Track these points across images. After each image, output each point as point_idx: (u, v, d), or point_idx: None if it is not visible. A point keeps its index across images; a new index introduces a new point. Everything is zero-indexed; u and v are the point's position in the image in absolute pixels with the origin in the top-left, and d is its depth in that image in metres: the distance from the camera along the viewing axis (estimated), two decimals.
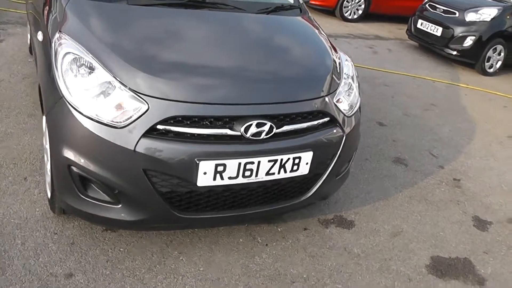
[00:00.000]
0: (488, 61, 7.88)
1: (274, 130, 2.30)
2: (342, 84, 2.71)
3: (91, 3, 2.55)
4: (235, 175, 2.25)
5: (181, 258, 2.60)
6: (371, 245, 3.07)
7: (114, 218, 2.27)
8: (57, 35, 2.36)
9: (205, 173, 2.18)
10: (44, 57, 2.50)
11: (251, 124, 2.22)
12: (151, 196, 2.19)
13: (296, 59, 2.73)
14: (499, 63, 8.02)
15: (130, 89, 2.14)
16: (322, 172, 2.62)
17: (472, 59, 7.86)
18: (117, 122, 2.09)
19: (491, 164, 4.69)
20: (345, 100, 2.68)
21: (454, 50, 7.83)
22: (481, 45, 7.67)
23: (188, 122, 2.15)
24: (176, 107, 2.13)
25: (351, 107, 2.71)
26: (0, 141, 3.29)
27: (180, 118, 2.13)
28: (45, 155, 2.75)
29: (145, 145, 2.09)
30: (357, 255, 2.94)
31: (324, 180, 2.65)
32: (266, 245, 2.84)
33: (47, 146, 2.48)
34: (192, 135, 2.16)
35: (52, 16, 2.60)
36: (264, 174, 2.34)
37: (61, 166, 2.23)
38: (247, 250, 2.76)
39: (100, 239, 2.62)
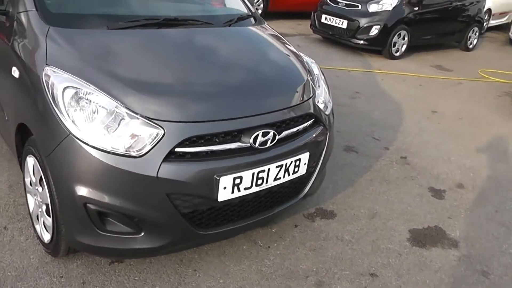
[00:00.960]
0: (394, 46, 8.53)
1: (277, 137, 2.41)
2: (316, 85, 2.88)
3: (72, 31, 2.48)
4: (249, 185, 2.34)
5: (197, 274, 2.63)
6: (356, 230, 3.28)
7: (138, 248, 2.26)
8: (45, 68, 2.24)
9: (225, 188, 2.24)
10: (29, 96, 2.38)
11: (257, 134, 2.31)
12: (175, 219, 2.21)
13: (279, 69, 2.86)
14: (404, 46, 8.73)
15: (142, 116, 2.13)
16: (313, 170, 2.77)
17: (379, 46, 8.45)
18: (135, 151, 2.09)
19: (426, 139, 5.13)
20: (321, 99, 2.85)
21: (361, 39, 8.37)
22: (386, 32, 8.27)
23: (202, 141, 2.20)
24: (190, 128, 2.17)
25: (326, 105, 2.89)
26: None
27: (194, 138, 2.17)
28: (34, 200, 2.66)
29: (167, 170, 2.11)
30: (350, 241, 3.13)
31: (315, 177, 2.80)
32: (269, 247, 2.94)
33: (44, 190, 2.39)
34: (207, 153, 2.22)
35: (26, 49, 2.48)
36: (273, 180, 2.44)
37: (75, 206, 2.16)
38: (254, 255, 2.85)
39: (110, 272, 2.58)
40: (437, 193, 3.97)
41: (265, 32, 3.24)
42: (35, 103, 2.31)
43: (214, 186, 2.21)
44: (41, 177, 2.47)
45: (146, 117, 2.12)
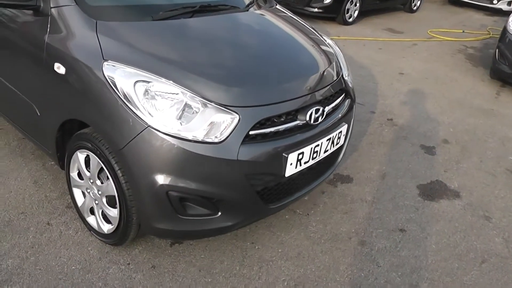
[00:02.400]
0: (347, 12, 8.80)
1: (325, 112, 2.61)
2: (341, 61, 3.09)
3: (119, 25, 2.48)
4: (308, 159, 2.54)
5: (256, 247, 2.82)
6: (374, 190, 3.58)
7: (216, 227, 2.40)
8: (104, 64, 2.27)
9: (291, 164, 2.43)
10: (83, 91, 2.39)
11: (312, 112, 2.51)
12: (250, 196, 2.37)
13: (313, 49, 3.01)
14: (356, 12, 9.06)
15: (216, 103, 2.24)
16: (345, 140, 3.01)
17: (333, 13, 8.73)
18: (214, 137, 2.21)
19: (403, 99, 5.51)
20: (345, 74, 3.07)
21: (316, 7, 8.58)
22: (339, 0, 8.50)
23: (269, 123, 2.36)
24: (259, 112, 2.31)
25: (349, 79, 3.12)
26: None
27: (263, 121, 2.33)
28: (86, 194, 2.73)
29: (244, 152, 2.26)
30: (373, 202, 3.42)
31: (345, 147, 3.05)
32: (308, 214, 3.17)
33: (106, 182, 2.48)
34: (275, 133, 2.38)
35: (74, 44, 2.45)
36: (323, 152, 2.65)
37: (156, 195, 2.25)
38: (298, 223, 3.07)
39: (175, 253, 2.71)
40: (429, 150, 4.34)
41: (285, 14, 3.39)
42: (94, 98, 2.33)
43: (282, 163, 2.38)
44: (100, 170, 2.51)
45: (221, 104, 2.24)
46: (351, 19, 8.90)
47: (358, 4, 8.90)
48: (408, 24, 9.70)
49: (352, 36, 8.13)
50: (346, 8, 8.64)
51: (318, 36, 3.22)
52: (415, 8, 10.97)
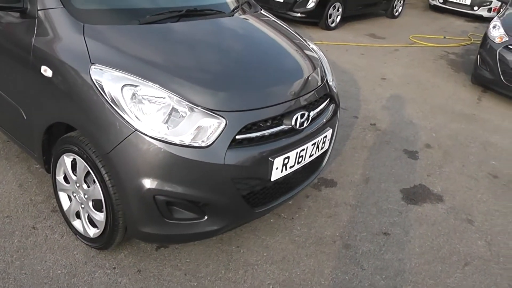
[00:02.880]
0: (330, 17, 8.89)
1: (310, 117, 2.65)
2: (325, 65, 3.14)
3: (106, 28, 2.47)
4: (293, 163, 2.57)
5: (241, 251, 2.84)
6: (358, 194, 3.62)
7: (202, 231, 2.41)
8: (92, 67, 2.27)
9: (277, 168, 2.46)
10: (70, 95, 2.39)
11: (297, 117, 2.54)
12: (236, 200, 2.39)
13: (299, 54, 3.03)
14: (339, 17, 9.15)
15: (203, 107, 2.26)
16: (329, 144, 3.05)
17: (316, 18, 8.80)
18: (201, 141, 2.23)
19: (385, 105, 5.58)
20: (330, 79, 3.12)
21: (299, 12, 8.63)
22: (322, 5, 8.63)
23: (256, 127, 2.39)
24: (246, 116, 2.34)
25: (334, 84, 3.16)
26: None
27: (249, 125, 2.36)
28: (72, 197, 2.72)
29: (231, 157, 2.28)
30: (357, 205, 3.47)
31: (330, 151, 3.09)
32: (292, 218, 3.21)
33: (93, 186, 2.47)
34: (260, 137, 2.40)
35: (61, 47, 2.44)
36: (308, 156, 2.69)
37: (143, 199, 2.26)
38: (284, 227, 3.10)
39: (161, 257, 2.71)
40: (411, 154, 4.40)
41: (270, 19, 3.42)
42: (81, 102, 2.33)
43: (268, 168, 2.41)
44: (86, 174, 2.51)
45: (207, 109, 2.26)
46: (333, 24, 8.99)
47: (340, 10, 8.99)
48: (390, 30, 9.82)
49: (334, 41, 8.21)
50: (329, 13, 8.72)
51: (302, 41, 3.26)
52: (396, 14, 11.11)
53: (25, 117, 2.77)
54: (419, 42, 8.89)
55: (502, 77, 5.91)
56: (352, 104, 5.40)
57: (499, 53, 5.95)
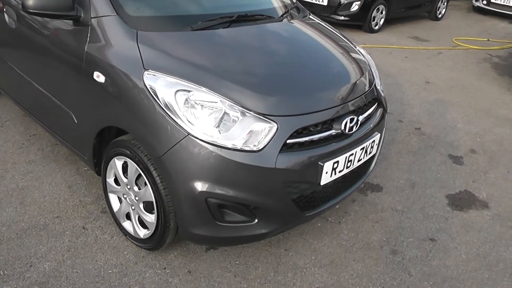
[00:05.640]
0: (373, 20, 8.82)
1: (359, 121, 2.64)
2: (373, 69, 3.12)
3: (159, 35, 2.53)
4: (342, 168, 2.57)
5: (290, 254, 2.85)
6: (404, 199, 3.58)
7: (252, 234, 2.44)
8: (145, 73, 2.33)
9: (326, 173, 2.46)
10: (122, 100, 2.46)
11: (347, 121, 2.54)
12: (286, 204, 2.41)
13: (348, 59, 3.04)
14: (382, 20, 9.07)
15: (255, 112, 2.29)
16: (377, 149, 3.03)
17: (360, 21, 8.75)
18: (253, 145, 2.26)
19: (430, 109, 5.49)
20: (378, 83, 3.10)
21: (343, 15, 8.60)
22: (366, 8, 8.58)
23: (306, 132, 2.40)
24: (297, 121, 2.36)
25: (382, 88, 3.14)
26: (22, 200, 3.10)
27: (300, 130, 2.37)
28: (122, 199, 2.79)
29: (282, 160, 2.30)
30: (403, 211, 3.43)
31: (377, 156, 3.07)
32: (339, 222, 3.20)
33: (144, 188, 2.54)
34: (311, 142, 2.42)
35: (114, 54, 2.49)
36: (357, 161, 2.68)
37: (195, 201, 2.30)
38: (331, 231, 3.10)
39: (210, 259, 2.75)
40: (456, 160, 4.32)
41: (318, 24, 3.44)
42: (134, 107, 2.39)
43: (318, 172, 2.42)
44: (137, 177, 2.57)
45: (259, 113, 2.28)
46: (377, 27, 8.92)
47: (384, 12, 8.91)
48: (433, 32, 9.66)
49: (378, 44, 8.14)
50: (372, 16, 8.66)
51: (350, 45, 3.25)
52: (440, 16, 10.93)
53: (76, 121, 2.86)
54: (462, 44, 8.72)
55: None
56: (397, 108, 5.35)
57: None
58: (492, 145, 4.71)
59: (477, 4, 12.69)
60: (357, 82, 2.74)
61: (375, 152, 2.86)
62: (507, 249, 3.13)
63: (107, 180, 2.83)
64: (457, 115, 5.35)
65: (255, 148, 2.23)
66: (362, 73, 2.87)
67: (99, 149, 2.83)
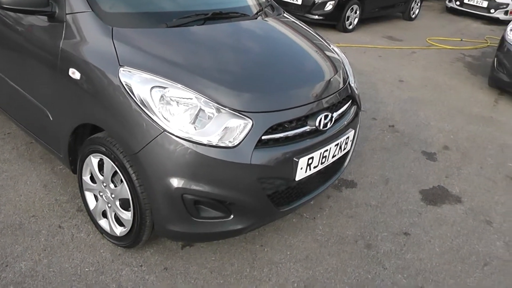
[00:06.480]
0: (347, 20, 8.91)
1: (333, 119, 2.69)
2: (347, 67, 3.18)
3: (134, 31, 2.52)
4: (317, 164, 2.61)
5: (265, 249, 2.88)
6: (378, 195, 3.65)
7: (228, 230, 2.46)
8: (120, 69, 2.32)
9: (301, 168, 2.50)
10: (98, 97, 2.44)
11: (321, 118, 2.58)
12: (261, 200, 2.44)
13: (322, 56, 3.08)
14: (356, 20, 9.18)
15: (231, 108, 2.30)
16: (351, 145, 3.09)
17: (334, 20, 8.83)
18: (228, 142, 2.28)
19: (404, 107, 5.59)
20: (352, 80, 3.15)
21: (317, 15, 8.67)
22: (340, 7, 8.67)
23: (281, 128, 2.43)
24: (272, 117, 2.38)
25: (355, 86, 3.20)
26: None
27: (275, 126, 2.41)
28: (98, 197, 2.77)
29: (257, 156, 2.33)
30: (377, 206, 3.50)
31: (352, 152, 3.12)
32: (314, 218, 3.24)
33: (120, 186, 2.52)
34: (285, 138, 2.45)
35: (89, 50, 2.48)
36: (331, 157, 2.73)
37: (171, 198, 2.31)
38: (306, 227, 3.14)
39: (186, 256, 2.76)
40: (430, 156, 4.42)
41: (292, 22, 3.47)
42: (109, 103, 2.38)
43: (293, 168, 2.45)
44: (113, 174, 2.57)
45: (234, 110, 2.31)
46: (351, 27, 9.02)
47: (358, 12, 9.01)
48: (407, 32, 9.82)
49: (352, 43, 8.23)
50: (347, 15, 8.75)
51: (325, 43, 3.30)
52: (413, 16, 11.11)
53: (51, 119, 2.83)
54: (436, 44, 8.88)
55: None
56: (371, 106, 5.43)
57: None
58: (465, 142, 4.82)
59: (450, 4, 12.93)
60: (331, 79, 2.78)
61: (349, 148, 2.91)
62: (480, 242, 3.22)
63: (83, 178, 2.82)
64: (431, 113, 5.46)
65: (230, 144, 2.25)
66: (336, 71, 2.91)
67: (75, 147, 2.79)
